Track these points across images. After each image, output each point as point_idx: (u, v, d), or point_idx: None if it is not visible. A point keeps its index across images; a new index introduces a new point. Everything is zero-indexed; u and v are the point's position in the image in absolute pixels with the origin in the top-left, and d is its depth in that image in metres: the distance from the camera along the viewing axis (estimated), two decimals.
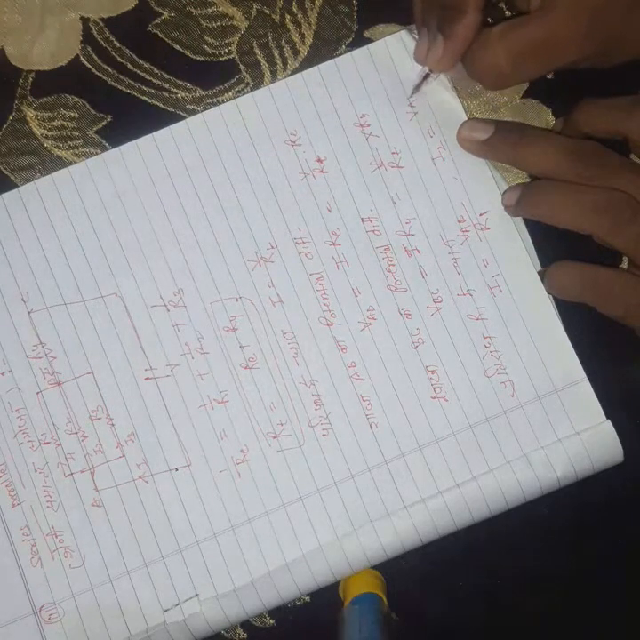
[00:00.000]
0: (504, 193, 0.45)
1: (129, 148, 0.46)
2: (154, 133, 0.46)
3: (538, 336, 0.45)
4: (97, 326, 0.45)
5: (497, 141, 0.44)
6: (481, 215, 0.46)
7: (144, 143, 0.46)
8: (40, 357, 0.45)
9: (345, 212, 0.46)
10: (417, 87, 0.45)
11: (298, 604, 0.46)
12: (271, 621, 0.46)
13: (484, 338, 0.45)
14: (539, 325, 0.45)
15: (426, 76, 0.45)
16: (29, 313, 0.45)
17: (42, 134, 0.47)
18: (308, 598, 0.45)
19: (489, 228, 0.46)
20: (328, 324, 0.45)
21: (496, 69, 0.42)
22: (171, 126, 0.46)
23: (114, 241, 0.45)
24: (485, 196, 0.46)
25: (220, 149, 0.46)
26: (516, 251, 0.45)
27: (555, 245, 0.45)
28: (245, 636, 0.46)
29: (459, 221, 0.46)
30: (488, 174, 0.46)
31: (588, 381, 0.44)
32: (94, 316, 0.45)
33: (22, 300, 0.45)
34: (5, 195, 0.46)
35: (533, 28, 0.41)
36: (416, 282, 0.45)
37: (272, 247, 0.46)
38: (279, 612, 0.45)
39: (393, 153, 0.46)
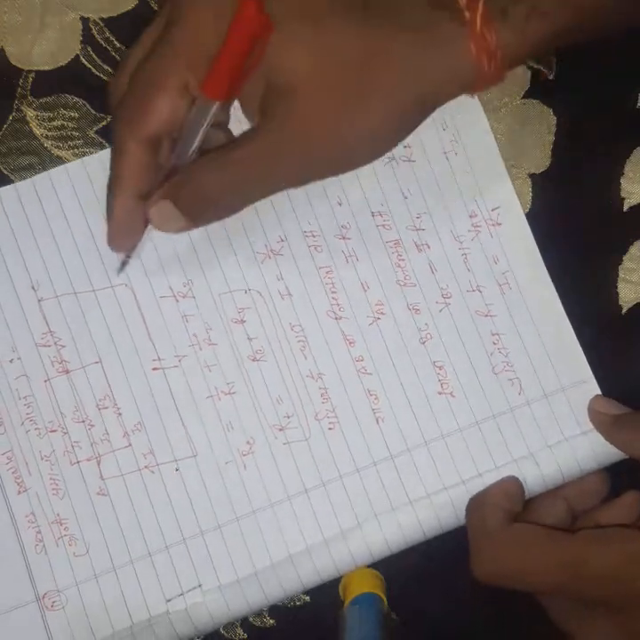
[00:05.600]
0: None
1: None
2: None
3: (546, 334, 0.44)
4: (106, 316, 0.45)
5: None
6: (493, 210, 0.45)
7: None
8: (49, 345, 0.45)
9: (355, 206, 0.45)
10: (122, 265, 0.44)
11: (298, 604, 0.45)
12: (271, 621, 0.46)
13: (493, 334, 0.45)
14: (547, 323, 0.45)
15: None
16: (39, 301, 0.45)
17: (42, 134, 0.47)
18: (308, 598, 0.45)
19: (500, 224, 0.45)
20: (336, 318, 0.45)
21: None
22: None
23: None
24: (498, 191, 0.45)
25: None
26: (527, 248, 0.45)
27: (557, 245, 0.45)
28: (245, 636, 0.45)
29: (470, 216, 0.45)
30: (501, 169, 0.45)
31: (595, 381, 0.44)
32: (104, 306, 0.45)
33: (32, 288, 0.45)
34: (19, 184, 0.46)
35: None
36: (425, 277, 0.45)
37: (282, 240, 0.45)
38: (279, 612, 0.45)
39: (405, 146, 0.45)
